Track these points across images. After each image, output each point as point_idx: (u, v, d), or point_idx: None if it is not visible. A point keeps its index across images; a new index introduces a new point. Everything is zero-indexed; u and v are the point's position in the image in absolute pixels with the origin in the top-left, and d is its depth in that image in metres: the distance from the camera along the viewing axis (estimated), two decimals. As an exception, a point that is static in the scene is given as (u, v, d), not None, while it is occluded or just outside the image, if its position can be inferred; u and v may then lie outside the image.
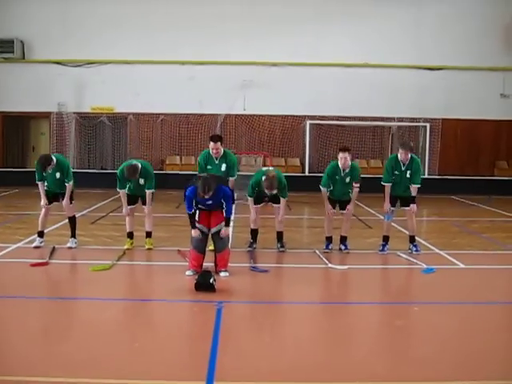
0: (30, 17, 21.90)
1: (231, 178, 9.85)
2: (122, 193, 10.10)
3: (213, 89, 21.78)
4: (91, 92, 22.19)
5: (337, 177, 10.07)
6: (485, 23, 22.05)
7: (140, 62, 21.95)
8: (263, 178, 9.68)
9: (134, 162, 9.93)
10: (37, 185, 10.12)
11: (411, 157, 9.99)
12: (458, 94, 22.20)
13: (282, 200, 10.09)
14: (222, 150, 10.00)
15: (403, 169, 9.99)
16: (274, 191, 9.66)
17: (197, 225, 8.45)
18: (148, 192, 10.08)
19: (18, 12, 21.84)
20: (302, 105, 22.00)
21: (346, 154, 9.90)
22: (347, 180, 10.07)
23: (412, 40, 22.02)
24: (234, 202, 8.73)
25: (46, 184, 10.12)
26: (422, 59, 22.13)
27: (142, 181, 9.94)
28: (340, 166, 9.96)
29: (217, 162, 9.94)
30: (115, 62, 22.05)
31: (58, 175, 10.01)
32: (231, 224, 9.32)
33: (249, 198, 10.16)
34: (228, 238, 8.64)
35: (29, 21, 21.89)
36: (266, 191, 9.64)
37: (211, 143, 9.96)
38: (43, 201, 10.11)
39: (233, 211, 8.62)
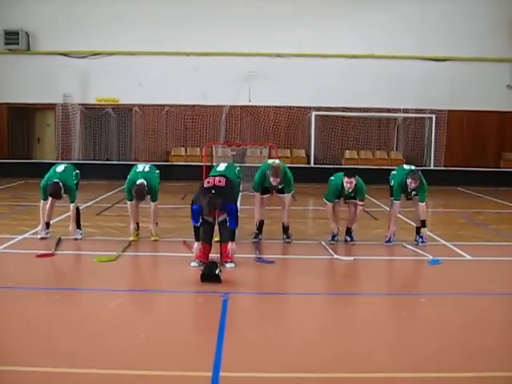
0: (35, 8, 21.87)
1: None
2: (130, 205, 10.08)
3: (218, 80, 21.73)
4: (96, 83, 22.17)
5: (340, 195, 10.09)
6: (491, 14, 21.92)
7: (145, 53, 21.91)
8: (268, 167, 9.68)
9: (140, 180, 9.81)
10: (42, 175, 10.12)
11: (420, 181, 9.94)
12: (463, 85, 22.10)
13: (287, 196, 10.08)
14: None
15: (409, 190, 10.04)
16: (279, 180, 9.65)
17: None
18: (153, 205, 10.14)
19: (23, 3, 21.82)
20: (308, 96, 21.92)
21: (352, 179, 9.80)
22: (351, 195, 10.08)
23: (417, 31, 21.91)
24: (237, 221, 8.61)
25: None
26: (427, 50, 22.02)
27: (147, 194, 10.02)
28: (345, 187, 9.90)
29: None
30: (120, 54, 22.00)
31: (63, 191, 9.99)
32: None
33: (255, 194, 10.14)
34: (234, 233, 8.58)
35: (34, 12, 21.88)
36: (271, 180, 9.63)
37: None
38: (41, 226, 10.13)
39: (238, 224, 8.59)
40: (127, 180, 10.05)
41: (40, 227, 10.16)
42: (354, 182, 9.83)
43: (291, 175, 10.16)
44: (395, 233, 10.22)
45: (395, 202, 10.13)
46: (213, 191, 8.28)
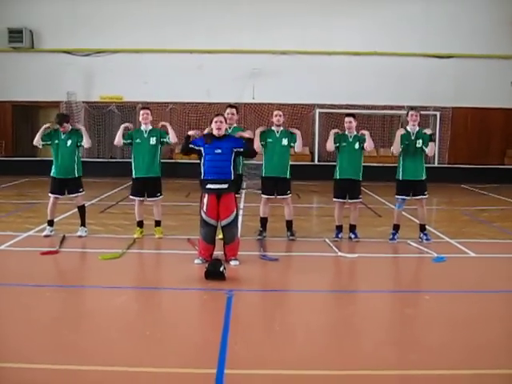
0: (39, 6, 21.90)
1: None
2: (137, 203, 10.23)
3: (222, 77, 21.73)
4: (100, 81, 22.21)
5: (344, 143, 10.15)
6: (495, 11, 21.87)
7: (149, 50, 21.92)
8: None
9: None
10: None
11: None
12: (468, 82, 22.06)
13: (287, 197, 10.14)
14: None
15: (413, 138, 9.99)
16: (281, 113, 10.07)
17: (204, 217, 8.42)
18: (156, 201, 10.21)
19: (27, 1, 21.85)
20: (311, 93, 21.91)
21: (351, 119, 10.13)
22: (356, 146, 10.11)
23: (421, 28, 21.86)
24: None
25: (53, 169, 10.19)
26: (431, 47, 21.98)
27: (153, 140, 10.19)
28: (346, 131, 10.10)
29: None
30: (124, 51, 22.04)
31: (69, 143, 10.11)
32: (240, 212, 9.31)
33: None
34: (237, 228, 8.58)
35: (37, 10, 21.91)
36: (275, 113, 10.07)
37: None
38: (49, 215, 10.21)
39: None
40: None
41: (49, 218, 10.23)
42: (354, 124, 10.14)
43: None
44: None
45: (393, 150, 10.22)
46: None
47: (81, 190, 10.30)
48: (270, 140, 10.13)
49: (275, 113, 10.16)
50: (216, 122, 8.45)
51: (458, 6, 21.87)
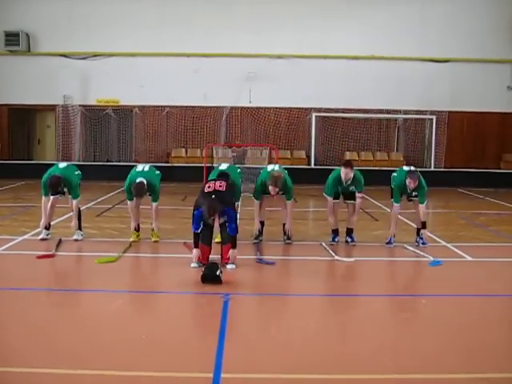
0: (35, 9, 21.93)
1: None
2: (131, 205, 10.12)
3: (218, 81, 21.76)
4: (96, 84, 22.22)
5: (339, 187, 10.12)
6: (491, 15, 21.98)
7: (145, 54, 21.94)
8: (268, 176, 9.71)
9: (140, 178, 9.82)
10: (42, 176, 10.11)
11: (420, 181, 9.94)
12: (464, 87, 22.13)
13: (288, 202, 10.11)
14: None
15: (409, 191, 10.03)
16: (278, 190, 9.68)
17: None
18: (154, 205, 10.15)
19: (23, 5, 21.87)
20: (308, 97, 21.96)
21: (348, 170, 9.89)
22: (350, 189, 10.11)
23: (418, 32, 21.95)
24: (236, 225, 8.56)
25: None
26: (427, 51, 22.07)
27: (148, 194, 10.02)
28: (342, 178, 9.98)
29: None
30: (120, 55, 22.07)
31: (65, 190, 10.07)
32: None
33: (255, 201, 10.15)
34: (235, 240, 8.56)
35: (34, 13, 21.94)
36: (270, 188, 9.64)
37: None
38: (43, 221, 10.10)
39: (237, 230, 8.51)
40: (127, 180, 10.06)
41: (42, 223, 10.14)
42: (351, 173, 9.91)
43: (291, 183, 10.12)
44: (395, 235, 10.21)
45: (395, 204, 10.14)
46: (213, 196, 8.28)
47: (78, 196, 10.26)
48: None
49: (270, 188, 9.73)
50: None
51: (455, 10, 21.96)
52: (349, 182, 9.98)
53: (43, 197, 10.09)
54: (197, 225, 8.33)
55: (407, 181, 9.86)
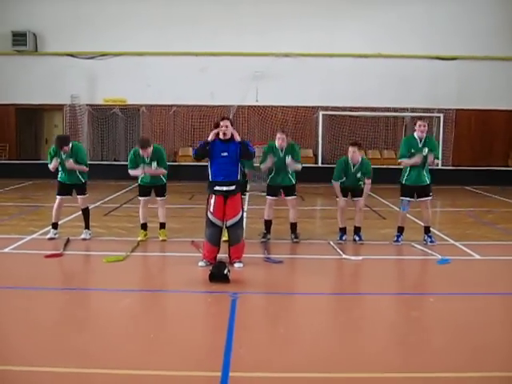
0: (42, 9, 21.95)
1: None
2: (142, 202, 10.25)
3: (225, 80, 21.73)
4: (104, 84, 22.23)
5: (347, 173, 10.14)
6: (497, 12, 21.88)
7: (152, 53, 21.95)
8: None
9: None
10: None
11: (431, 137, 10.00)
12: (471, 84, 22.03)
13: (293, 199, 10.15)
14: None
15: (420, 146, 9.94)
16: (285, 137, 10.06)
17: (210, 217, 8.44)
18: (160, 201, 10.26)
19: (30, 5, 21.90)
20: (315, 96, 21.92)
21: (355, 149, 9.98)
22: (358, 175, 10.10)
23: (424, 30, 21.83)
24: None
25: (59, 175, 10.18)
26: (434, 49, 21.98)
27: (155, 164, 10.00)
28: (350, 160, 9.99)
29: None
30: (128, 54, 22.06)
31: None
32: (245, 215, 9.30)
33: (261, 167, 10.23)
34: (242, 230, 8.58)
35: (41, 13, 21.96)
36: (278, 136, 10.10)
37: None
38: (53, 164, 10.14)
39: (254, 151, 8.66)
40: (130, 152, 10.26)
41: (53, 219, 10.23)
42: (359, 154, 10.02)
43: (299, 147, 10.45)
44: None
45: (402, 160, 10.07)
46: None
47: (85, 193, 10.35)
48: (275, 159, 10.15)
49: (278, 135, 10.19)
50: (222, 126, 8.46)
51: (461, 7, 21.86)
52: (356, 166, 10.01)
53: (57, 196, 10.20)
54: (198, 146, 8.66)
55: (416, 126, 9.85)
